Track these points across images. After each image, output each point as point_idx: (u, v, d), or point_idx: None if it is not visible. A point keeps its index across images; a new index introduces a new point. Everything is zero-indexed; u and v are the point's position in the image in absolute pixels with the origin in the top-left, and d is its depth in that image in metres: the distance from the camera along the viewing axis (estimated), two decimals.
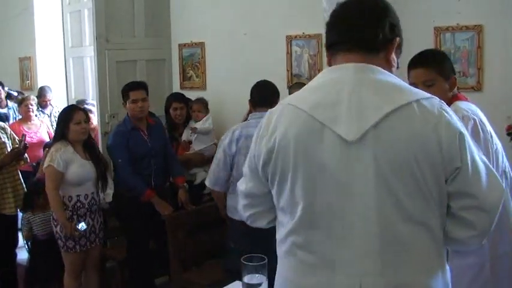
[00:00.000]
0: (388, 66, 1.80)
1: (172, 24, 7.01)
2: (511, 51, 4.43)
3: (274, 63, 6.00)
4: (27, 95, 7.58)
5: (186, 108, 5.83)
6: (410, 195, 1.63)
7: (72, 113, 4.44)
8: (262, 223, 2.00)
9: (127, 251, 4.94)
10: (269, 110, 1.87)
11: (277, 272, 1.88)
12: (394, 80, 1.74)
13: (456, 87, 2.98)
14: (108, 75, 6.25)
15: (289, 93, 5.12)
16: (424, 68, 2.88)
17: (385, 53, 1.79)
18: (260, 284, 2.21)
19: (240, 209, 2.06)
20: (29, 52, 9.80)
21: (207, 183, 4.31)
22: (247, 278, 2.22)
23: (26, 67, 9.98)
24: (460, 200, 1.69)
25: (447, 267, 1.76)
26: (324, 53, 5.74)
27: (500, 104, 4.38)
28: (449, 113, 1.69)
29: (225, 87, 6.35)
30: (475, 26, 4.65)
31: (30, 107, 7.02)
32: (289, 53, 5.95)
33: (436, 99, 1.72)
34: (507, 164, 2.90)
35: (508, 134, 4.25)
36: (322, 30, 5.25)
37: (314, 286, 1.71)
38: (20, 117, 7.28)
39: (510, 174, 2.90)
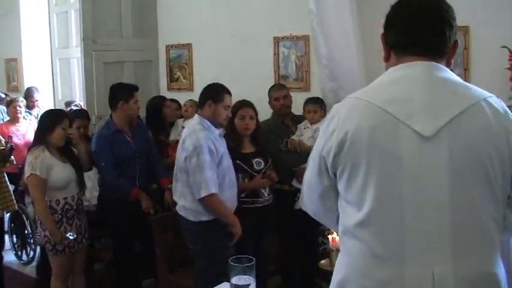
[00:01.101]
0: (448, 67, 1.87)
1: (160, 26, 7.01)
2: (497, 52, 4.46)
3: (261, 64, 6.01)
4: (16, 96, 7.53)
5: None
6: (482, 189, 1.71)
7: (62, 118, 4.39)
8: (333, 216, 1.98)
9: (113, 253, 4.92)
10: (336, 105, 1.89)
11: (341, 265, 1.88)
12: (459, 79, 1.83)
13: None
14: (95, 77, 6.22)
15: (269, 96, 5.11)
16: None
17: (448, 55, 1.87)
18: (248, 285, 2.22)
19: (307, 202, 2.05)
20: (15, 53, 9.74)
21: None
22: (235, 279, 2.22)
23: (12, 68, 9.92)
24: None
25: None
26: (312, 54, 5.77)
27: None
28: (509, 110, 1.80)
29: None
30: (461, 27, 4.67)
31: (18, 108, 6.97)
32: (276, 54, 5.97)
33: (497, 98, 1.82)
34: None
35: None
36: (309, 31, 5.28)
37: (386, 277, 1.73)
38: (7, 118, 7.24)
39: None
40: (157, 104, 5.78)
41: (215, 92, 4.18)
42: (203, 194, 3.92)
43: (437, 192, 1.69)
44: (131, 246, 4.90)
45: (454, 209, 1.69)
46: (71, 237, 4.31)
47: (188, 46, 6.77)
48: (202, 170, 3.90)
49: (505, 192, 1.77)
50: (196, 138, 3.97)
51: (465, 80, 1.89)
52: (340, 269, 1.87)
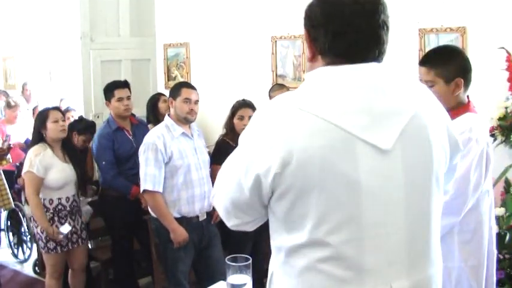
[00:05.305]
0: None
1: (157, 24, 7.00)
2: (494, 53, 4.46)
3: (259, 63, 6.00)
4: (19, 103, 7.55)
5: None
6: (433, 196, 1.68)
7: (48, 112, 4.36)
8: (246, 228, 1.86)
9: (111, 251, 4.92)
10: (271, 114, 1.63)
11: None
12: (401, 80, 1.68)
13: (462, 91, 2.70)
14: (92, 75, 6.22)
15: (269, 96, 5.10)
16: (424, 67, 2.72)
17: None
18: (244, 284, 2.21)
19: (224, 214, 1.82)
20: (13, 51, 9.72)
21: None
22: (231, 279, 2.22)
23: (9, 66, 9.90)
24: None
25: None
26: None
27: (483, 105, 4.40)
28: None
29: (209, 87, 6.34)
30: (459, 27, 4.67)
31: (18, 113, 7.08)
32: (274, 54, 5.96)
33: (423, 85, 1.78)
34: (491, 182, 2.81)
35: (491, 135, 4.28)
36: None
37: None
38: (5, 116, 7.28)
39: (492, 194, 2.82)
40: (156, 100, 5.80)
41: (173, 89, 4.22)
42: (142, 188, 3.99)
43: (394, 208, 1.60)
44: (129, 244, 4.90)
45: (408, 223, 1.63)
46: (66, 231, 4.29)
47: (186, 45, 6.76)
48: (144, 165, 3.95)
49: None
50: (149, 135, 4.05)
51: None
52: None
